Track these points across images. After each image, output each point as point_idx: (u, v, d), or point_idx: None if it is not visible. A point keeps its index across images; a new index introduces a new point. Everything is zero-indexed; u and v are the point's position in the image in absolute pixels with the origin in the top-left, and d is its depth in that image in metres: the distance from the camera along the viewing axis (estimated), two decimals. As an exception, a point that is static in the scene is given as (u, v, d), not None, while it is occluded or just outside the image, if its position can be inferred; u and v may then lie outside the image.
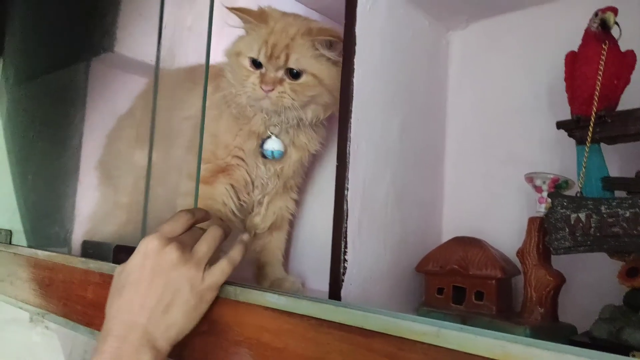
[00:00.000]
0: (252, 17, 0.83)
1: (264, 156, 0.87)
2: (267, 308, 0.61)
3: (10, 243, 1.24)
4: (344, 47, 0.70)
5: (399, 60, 0.78)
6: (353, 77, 0.69)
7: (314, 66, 0.80)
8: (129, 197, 1.00)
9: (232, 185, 0.89)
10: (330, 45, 0.80)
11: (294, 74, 0.80)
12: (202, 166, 0.88)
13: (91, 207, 1.11)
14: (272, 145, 0.86)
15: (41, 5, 1.34)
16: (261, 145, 0.87)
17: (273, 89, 0.80)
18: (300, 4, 0.82)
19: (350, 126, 0.68)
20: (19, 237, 1.25)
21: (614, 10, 0.60)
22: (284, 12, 0.87)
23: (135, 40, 1.06)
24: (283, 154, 0.88)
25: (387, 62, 0.75)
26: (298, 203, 0.97)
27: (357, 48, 0.69)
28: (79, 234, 1.09)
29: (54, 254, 0.99)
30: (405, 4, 0.79)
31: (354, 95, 0.69)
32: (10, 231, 1.27)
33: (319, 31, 0.81)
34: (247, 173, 0.89)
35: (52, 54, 1.24)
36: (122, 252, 0.88)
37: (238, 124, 0.87)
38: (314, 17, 0.92)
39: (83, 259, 0.90)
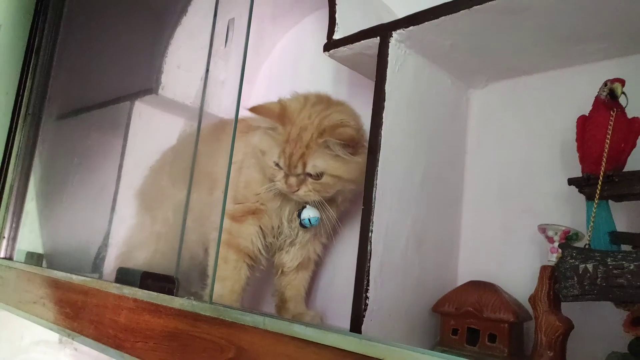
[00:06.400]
0: (272, 118, 0.87)
1: (302, 226, 0.93)
2: (294, 338, 0.66)
3: (41, 266, 1.30)
4: (374, 102, 0.77)
5: (422, 115, 0.85)
6: (381, 129, 0.76)
7: (331, 166, 0.86)
8: (165, 228, 1.06)
9: (260, 227, 0.95)
10: (343, 145, 0.84)
11: (315, 175, 0.86)
12: (235, 205, 0.95)
13: (126, 235, 1.17)
14: (309, 213, 0.92)
15: (89, 47, 1.45)
16: (298, 215, 0.92)
17: (298, 189, 0.86)
18: (334, 61, 0.90)
19: (376, 174, 0.75)
20: (51, 261, 1.31)
21: (622, 82, 0.67)
22: (304, 98, 0.91)
23: (176, 86, 1.16)
24: (319, 220, 0.92)
25: (412, 116, 0.82)
26: (326, 246, 1.03)
27: (386, 104, 0.76)
28: (111, 260, 1.15)
29: (88, 279, 1.04)
30: (430, 65, 0.86)
31: (381, 146, 0.75)
32: (43, 255, 1.34)
33: (331, 131, 0.84)
34: (272, 222, 0.95)
35: (98, 93, 1.34)
36: (148, 279, 0.94)
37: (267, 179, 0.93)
38: (346, 75, 0.99)
39: (117, 284, 0.96)
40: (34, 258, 1.32)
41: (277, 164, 0.87)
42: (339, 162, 0.86)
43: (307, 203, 0.91)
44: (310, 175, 0.86)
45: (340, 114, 0.89)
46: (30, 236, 1.41)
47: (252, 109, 0.88)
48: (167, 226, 1.06)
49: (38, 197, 1.43)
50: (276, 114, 0.88)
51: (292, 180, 0.86)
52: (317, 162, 0.85)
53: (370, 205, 0.74)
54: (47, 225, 1.41)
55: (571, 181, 0.71)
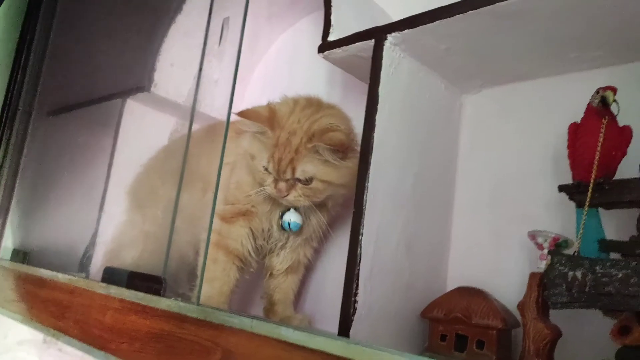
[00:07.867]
0: (260, 122, 0.87)
1: (282, 227, 0.92)
2: (281, 341, 0.65)
3: (27, 264, 1.28)
4: (368, 104, 0.77)
5: (415, 118, 0.85)
6: (374, 132, 0.75)
7: (321, 171, 0.85)
8: (154, 228, 1.05)
9: (250, 229, 0.94)
10: (333, 150, 0.84)
11: (305, 180, 0.85)
12: (225, 206, 0.94)
13: (114, 234, 1.16)
14: (290, 217, 0.91)
15: (82, 44, 1.44)
16: (281, 216, 0.92)
17: (288, 194, 0.85)
18: (328, 63, 0.89)
19: (368, 177, 0.74)
20: (37, 260, 1.29)
21: (614, 90, 0.67)
22: (293, 102, 0.90)
23: (169, 84, 1.15)
24: (300, 227, 0.92)
25: (405, 120, 0.82)
26: (316, 250, 1.02)
27: (379, 107, 0.76)
28: (99, 259, 1.14)
29: (75, 278, 1.03)
30: (424, 69, 0.86)
31: (373, 149, 0.75)
32: (28, 253, 1.32)
33: (320, 135, 0.83)
34: (262, 225, 0.95)
35: (89, 90, 1.33)
36: (135, 279, 0.92)
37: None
38: (340, 77, 0.98)
39: (104, 284, 0.94)
40: (18, 255, 1.31)
41: (266, 169, 0.87)
42: (329, 167, 0.85)
43: (296, 208, 0.90)
44: (299, 180, 0.85)
45: (330, 118, 0.88)
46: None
47: (241, 113, 0.87)
48: (157, 226, 1.05)
49: (23, 194, 1.41)
50: (265, 118, 0.87)
51: (282, 185, 0.85)
52: (307, 167, 0.84)
53: (361, 208, 0.74)
54: (32, 223, 1.39)
55: (562, 188, 0.71)
